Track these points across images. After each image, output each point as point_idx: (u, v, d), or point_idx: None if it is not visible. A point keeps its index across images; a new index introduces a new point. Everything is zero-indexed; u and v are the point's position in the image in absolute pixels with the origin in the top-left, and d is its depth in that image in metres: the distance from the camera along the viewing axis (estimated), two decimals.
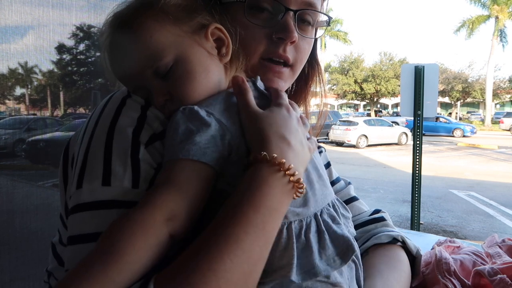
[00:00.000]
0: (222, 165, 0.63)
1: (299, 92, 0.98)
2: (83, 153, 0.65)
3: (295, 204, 0.66)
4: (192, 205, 0.59)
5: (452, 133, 24.22)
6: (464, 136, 23.62)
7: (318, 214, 0.69)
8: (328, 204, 0.73)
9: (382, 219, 0.97)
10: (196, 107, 0.64)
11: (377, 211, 1.00)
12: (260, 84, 0.77)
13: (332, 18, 0.88)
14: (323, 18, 0.86)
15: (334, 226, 0.69)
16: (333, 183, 1.01)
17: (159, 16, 0.68)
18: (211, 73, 0.71)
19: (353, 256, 0.68)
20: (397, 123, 22.04)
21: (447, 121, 26.05)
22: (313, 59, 0.94)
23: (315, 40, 0.90)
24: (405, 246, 0.90)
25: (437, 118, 25.84)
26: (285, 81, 0.83)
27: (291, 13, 0.78)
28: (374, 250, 0.88)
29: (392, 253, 0.88)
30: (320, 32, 0.89)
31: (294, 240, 0.64)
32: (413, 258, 0.92)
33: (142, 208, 0.56)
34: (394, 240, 0.89)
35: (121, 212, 0.60)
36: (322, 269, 0.64)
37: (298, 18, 0.79)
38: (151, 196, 0.58)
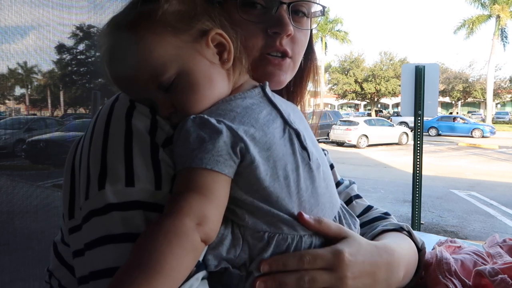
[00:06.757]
0: (235, 172, 0.63)
1: (297, 88, 0.97)
2: (99, 154, 0.64)
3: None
4: (217, 209, 0.60)
5: (471, 134, 22.85)
6: (483, 136, 22.28)
7: None
8: (335, 217, 0.73)
9: (388, 214, 0.99)
10: (206, 116, 0.64)
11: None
12: (268, 90, 0.75)
13: (326, 7, 0.87)
14: (317, 8, 0.85)
15: None
16: (337, 184, 1.01)
17: (158, 28, 0.66)
18: (214, 83, 0.70)
19: None
20: (397, 123, 21.95)
21: (466, 121, 24.73)
22: (308, 51, 0.92)
23: (311, 31, 0.88)
24: (411, 236, 0.89)
25: (454, 118, 24.85)
26: (286, 73, 0.82)
27: (285, 5, 0.77)
28: (381, 234, 0.88)
29: (399, 235, 0.87)
30: (314, 23, 0.88)
31: None
32: (418, 250, 0.90)
33: (171, 215, 0.56)
34: (400, 229, 0.89)
35: (146, 214, 0.60)
36: None
37: (292, 10, 0.78)
38: (177, 203, 0.57)
